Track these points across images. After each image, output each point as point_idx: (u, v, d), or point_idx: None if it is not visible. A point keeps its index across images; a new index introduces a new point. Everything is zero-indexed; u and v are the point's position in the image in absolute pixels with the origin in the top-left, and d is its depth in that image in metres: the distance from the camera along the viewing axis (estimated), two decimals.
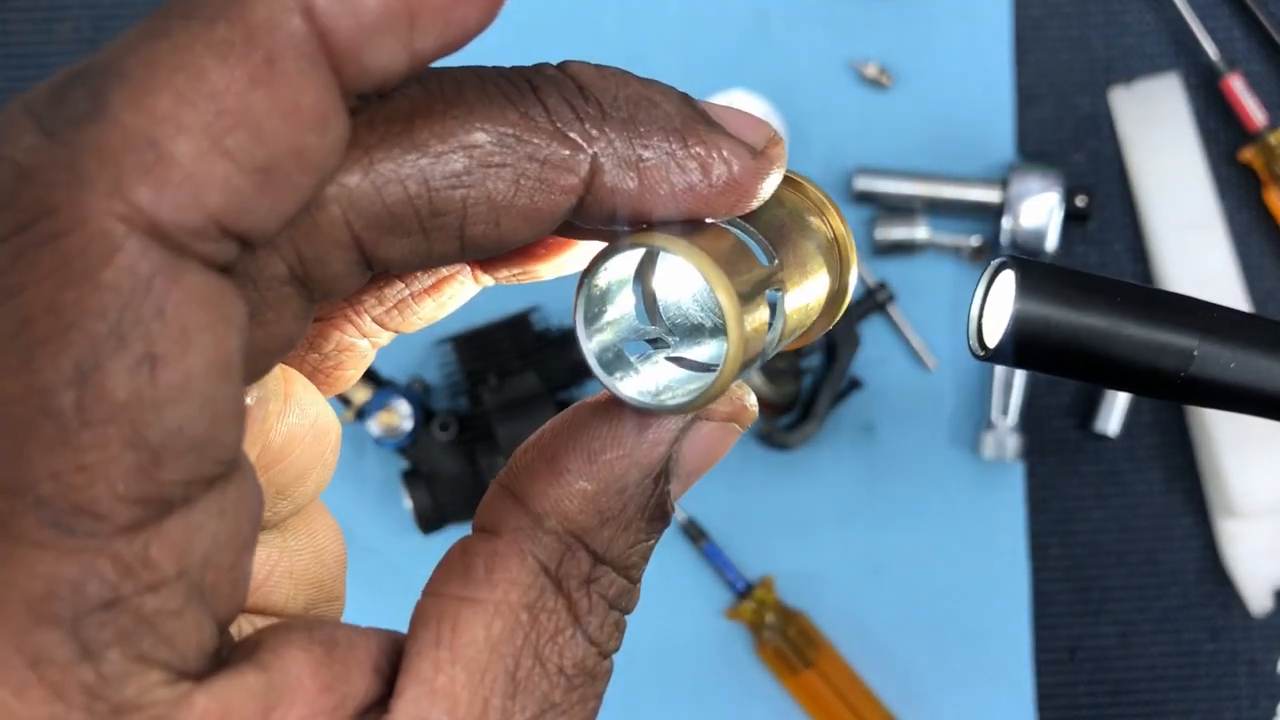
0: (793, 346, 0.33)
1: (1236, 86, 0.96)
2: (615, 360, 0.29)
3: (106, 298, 0.21)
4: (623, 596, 0.28)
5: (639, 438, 0.28)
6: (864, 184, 0.97)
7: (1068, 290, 0.35)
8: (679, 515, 0.97)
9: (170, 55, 0.22)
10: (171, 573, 0.22)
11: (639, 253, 0.28)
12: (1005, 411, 0.97)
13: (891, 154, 0.98)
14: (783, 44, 1.00)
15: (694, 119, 0.27)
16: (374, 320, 0.32)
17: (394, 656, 0.26)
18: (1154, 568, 0.98)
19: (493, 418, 0.91)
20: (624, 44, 1.00)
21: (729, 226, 0.29)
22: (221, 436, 0.23)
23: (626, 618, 0.29)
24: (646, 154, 0.27)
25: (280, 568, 0.32)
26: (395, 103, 0.25)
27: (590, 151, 0.26)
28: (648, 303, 0.31)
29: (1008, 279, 0.35)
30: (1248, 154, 0.97)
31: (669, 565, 0.97)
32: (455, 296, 0.32)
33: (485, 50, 0.26)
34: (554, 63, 0.27)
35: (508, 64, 0.27)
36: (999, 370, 0.96)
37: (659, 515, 0.29)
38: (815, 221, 0.32)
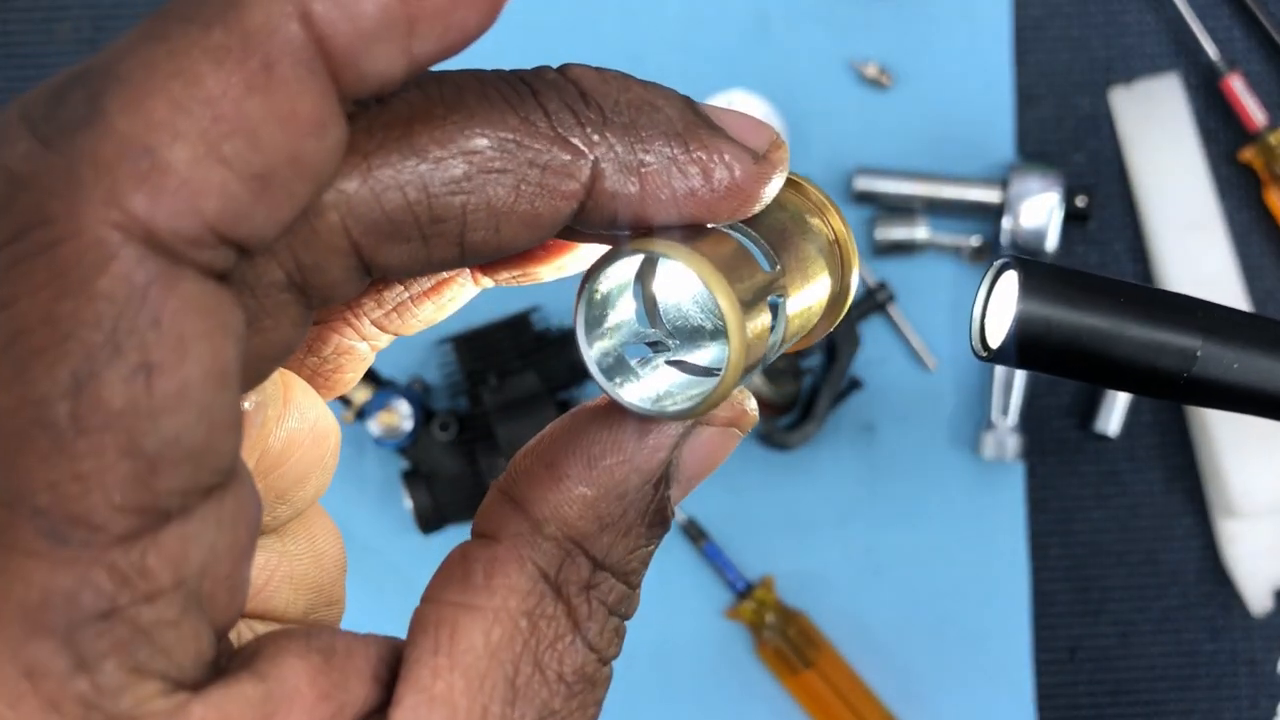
0: (794, 349, 0.33)
1: (1236, 86, 0.96)
2: (616, 366, 0.29)
3: (102, 307, 0.21)
4: (622, 602, 0.28)
5: (639, 443, 0.28)
6: (864, 184, 0.97)
7: (1070, 291, 0.35)
8: (679, 515, 0.97)
9: (167, 60, 0.21)
10: (168, 583, 0.22)
11: (640, 258, 0.28)
12: (1005, 411, 0.97)
13: (891, 154, 0.98)
14: (783, 44, 1.00)
15: (695, 123, 0.27)
16: (373, 323, 0.32)
17: (393, 663, 0.26)
18: (1154, 568, 0.98)
19: (493, 418, 0.91)
20: (624, 44, 1.00)
21: (730, 230, 0.29)
22: (218, 445, 0.22)
23: (626, 623, 0.29)
24: (648, 159, 0.26)
25: (280, 572, 0.32)
26: (394, 108, 0.25)
27: (591, 157, 0.26)
28: (648, 307, 0.31)
29: (1010, 279, 0.35)
30: (1248, 154, 0.97)
31: (669, 565, 0.97)
32: (455, 299, 0.32)
33: (483, 51, 0.25)
34: (554, 66, 0.27)
35: (506, 65, 0.27)
36: (999, 370, 0.96)
37: (659, 521, 0.29)
38: (816, 223, 0.32)
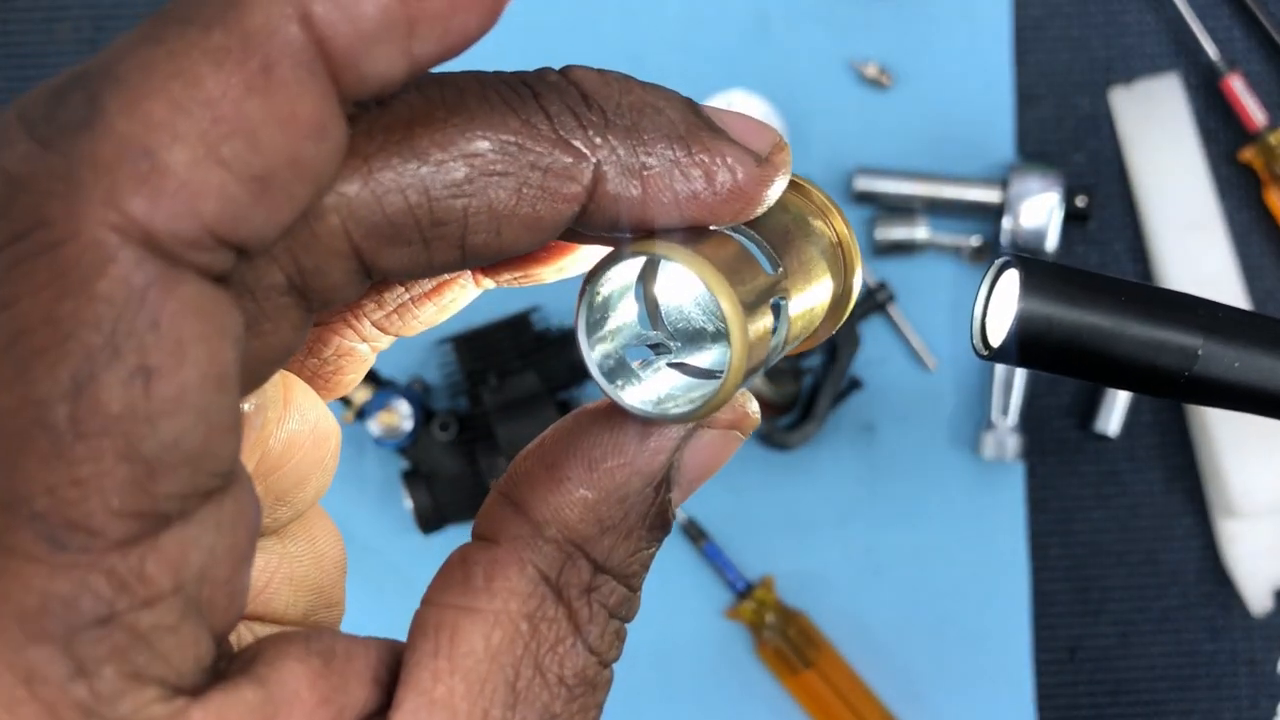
0: (796, 351, 0.32)
1: (1236, 86, 0.96)
2: (617, 368, 0.28)
3: (101, 309, 0.21)
4: (623, 605, 0.28)
5: (640, 446, 0.28)
6: (864, 184, 0.96)
7: (1071, 289, 0.35)
8: (679, 515, 0.97)
9: (166, 62, 0.21)
10: (167, 588, 0.22)
11: (642, 260, 0.28)
12: (1005, 411, 0.96)
13: (891, 154, 0.98)
14: (783, 44, 0.99)
15: (698, 125, 0.27)
16: (374, 325, 0.32)
17: (393, 666, 0.26)
18: (1154, 568, 0.98)
19: (493, 418, 0.91)
20: (624, 44, 1.00)
21: (733, 233, 0.29)
22: (217, 449, 0.22)
23: (627, 626, 0.29)
24: (650, 161, 0.26)
25: (280, 574, 0.32)
26: (395, 110, 0.25)
27: (593, 159, 0.26)
28: (650, 309, 0.31)
29: (1011, 278, 0.35)
30: (1248, 154, 0.97)
31: (669, 565, 0.97)
32: (456, 300, 0.32)
33: (483, 52, 0.25)
34: (556, 67, 0.27)
35: (506, 66, 0.27)
36: (999, 370, 0.96)
37: (660, 524, 0.29)
38: (819, 226, 0.32)
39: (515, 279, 0.31)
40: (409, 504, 0.92)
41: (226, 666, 0.24)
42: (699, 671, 0.97)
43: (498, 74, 0.26)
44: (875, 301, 0.97)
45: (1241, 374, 0.36)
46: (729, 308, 0.26)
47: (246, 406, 0.29)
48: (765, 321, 0.27)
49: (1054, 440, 0.99)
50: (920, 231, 0.97)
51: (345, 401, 0.92)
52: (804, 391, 0.97)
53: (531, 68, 0.27)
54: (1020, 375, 0.97)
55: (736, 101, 0.96)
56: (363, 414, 0.91)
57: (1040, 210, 0.93)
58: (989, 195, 0.96)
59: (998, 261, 0.36)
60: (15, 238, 0.21)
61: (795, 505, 0.98)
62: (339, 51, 0.22)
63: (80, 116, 0.21)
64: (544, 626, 0.27)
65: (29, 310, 0.21)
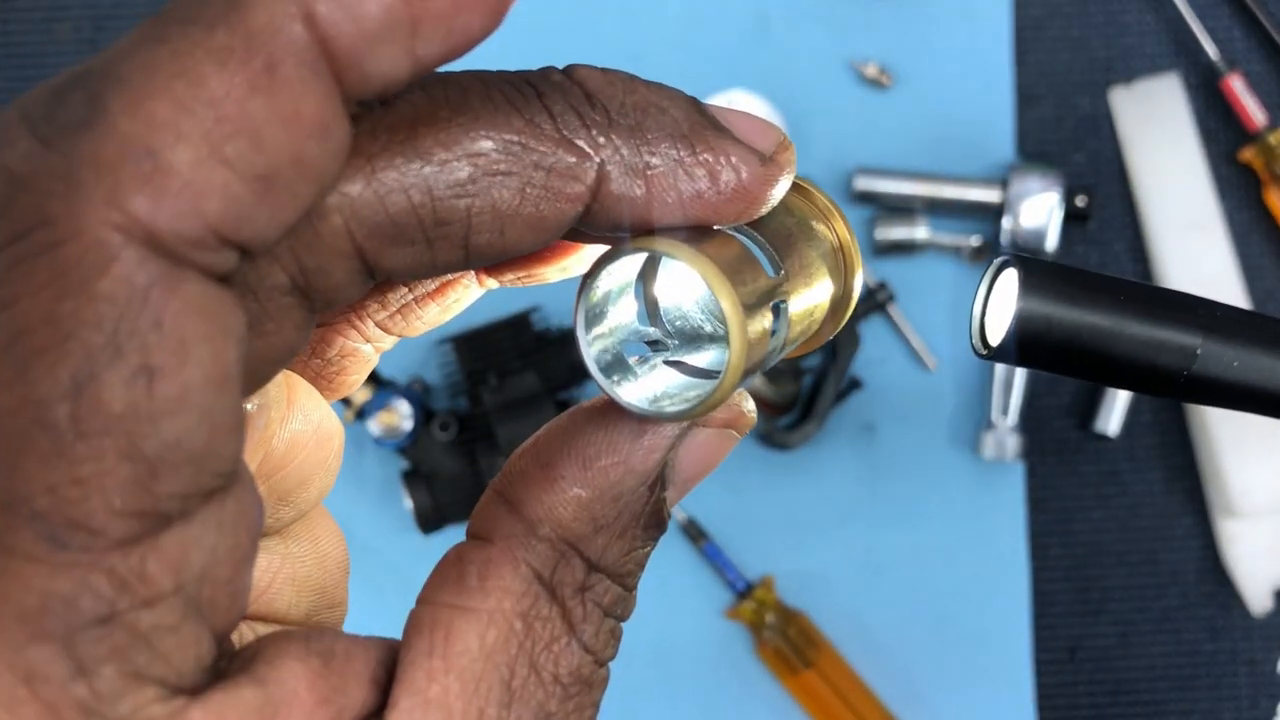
0: (796, 354, 0.32)
1: (1236, 86, 0.96)
2: (614, 364, 0.28)
3: (102, 309, 0.21)
4: (618, 604, 0.28)
5: (635, 444, 0.28)
6: (864, 184, 0.96)
7: (1070, 288, 0.35)
8: (679, 515, 0.97)
9: (169, 61, 0.21)
10: (168, 588, 0.22)
11: (642, 257, 0.28)
12: (1005, 411, 0.96)
13: (891, 154, 0.98)
14: (783, 44, 0.99)
15: (702, 125, 0.27)
16: (377, 325, 0.32)
17: (392, 666, 0.26)
18: (1154, 568, 0.98)
19: (493, 418, 0.91)
20: (624, 44, 1.00)
21: (735, 233, 0.29)
22: (220, 449, 0.22)
23: (622, 625, 0.29)
24: (654, 161, 0.26)
25: (282, 574, 0.32)
26: (398, 110, 0.25)
27: (597, 159, 0.26)
28: (650, 307, 0.31)
29: (1010, 277, 0.35)
30: (1248, 154, 0.97)
31: (669, 565, 0.97)
32: (460, 300, 0.32)
33: (484, 52, 0.25)
34: (559, 66, 0.27)
35: (507, 65, 0.27)
36: (999, 370, 0.96)
37: (654, 523, 0.29)
38: (821, 229, 0.32)
39: (519, 279, 0.31)
40: (409, 504, 0.92)
41: (227, 665, 0.24)
42: (699, 671, 0.97)
43: (501, 73, 0.26)
44: (875, 301, 0.97)
45: (1241, 373, 0.36)
46: (729, 308, 0.26)
47: (249, 406, 0.29)
48: (765, 323, 0.27)
49: (1054, 440, 0.99)
50: (920, 231, 0.97)
51: (345, 401, 0.92)
52: (804, 391, 0.97)
53: (533, 67, 0.27)
54: (1020, 375, 0.97)
55: (737, 101, 0.96)
56: (363, 414, 0.92)
57: (1040, 210, 0.94)
58: (989, 195, 0.96)
59: (997, 261, 0.36)
60: (16, 237, 0.21)
61: (795, 505, 0.98)
62: (342, 51, 0.22)
63: (82, 116, 0.21)
64: (538, 625, 0.27)
65: (29, 310, 0.21)
